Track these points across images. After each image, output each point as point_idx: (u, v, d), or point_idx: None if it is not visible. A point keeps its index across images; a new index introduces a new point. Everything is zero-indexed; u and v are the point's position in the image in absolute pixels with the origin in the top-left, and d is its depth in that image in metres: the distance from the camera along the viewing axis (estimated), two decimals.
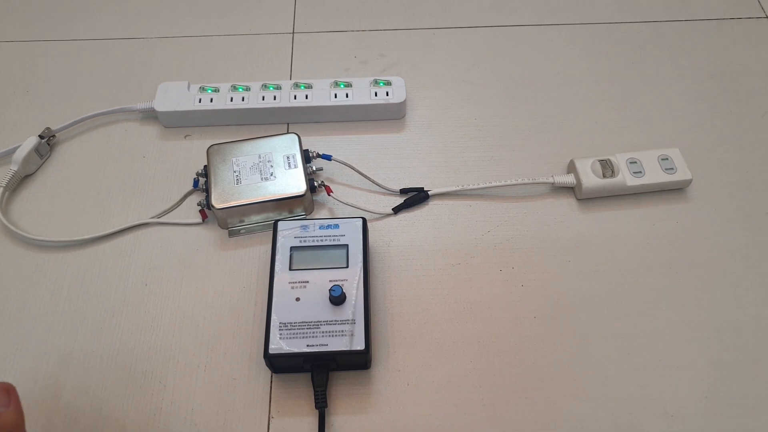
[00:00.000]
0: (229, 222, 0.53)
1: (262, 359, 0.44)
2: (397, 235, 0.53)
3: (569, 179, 0.55)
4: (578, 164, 0.55)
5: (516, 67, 0.65)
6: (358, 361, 0.45)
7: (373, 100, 0.59)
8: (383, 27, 0.69)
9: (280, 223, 0.50)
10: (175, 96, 0.59)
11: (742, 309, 0.49)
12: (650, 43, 0.67)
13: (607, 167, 0.54)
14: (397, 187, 0.56)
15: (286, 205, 0.52)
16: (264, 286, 0.49)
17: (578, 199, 0.55)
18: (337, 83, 0.60)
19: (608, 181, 0.54)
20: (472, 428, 0.44)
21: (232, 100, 0.59)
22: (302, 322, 0.44)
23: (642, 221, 0.54)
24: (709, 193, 0.55)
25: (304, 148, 0.55)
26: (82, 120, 0.60)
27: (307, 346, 0.43)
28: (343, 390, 0.45)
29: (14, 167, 0.55)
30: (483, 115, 0.61)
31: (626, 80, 0.64)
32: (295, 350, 0.43)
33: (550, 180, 0.55)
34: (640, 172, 0.54)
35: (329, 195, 0.54)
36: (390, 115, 0.61)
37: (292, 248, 0.48)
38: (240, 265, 0.51)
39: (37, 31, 0.69)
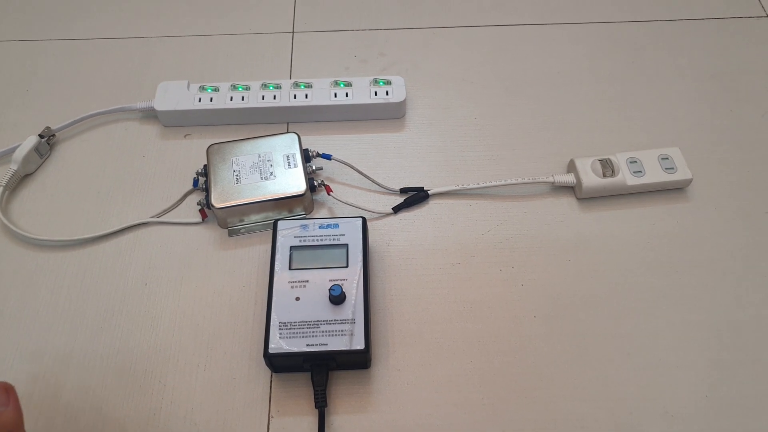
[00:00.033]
0: (229, 221, 0.53)
1: (262, 359, 0.44)
2: (397, 235, 0.53)
3: (569, 179, 0.55)
4: (578, 164, 0.55)
5: (516, 67, 0.65)
6: (358, 361, 0.45)
7: (373, 100, 0.59)
8: (383, 26, 0.69)
9: (279, 222, 0.50)
10: (174, 95, 0.59)
11: (742, 309, 0.49)
12: (650, 42, 0.67)
13: (608, 167, 0.54)
14: (397, 187, 0.56)
15: (286, 204, 0.52)
16: (264, 285, 0.49)
17: (578, 199, 0.55)
18: (336, 82, 0.60)
19: (608, 180, 0.54)
20: (472, 428, 0.44)
21: (231, 99, 0.59)
22: (302, 322, 0.44)
23: (642, 221, 0.54)
24: (710, 193, 0.55)
25: (303, 147, 0.55)
26: (82, 119, 0.60)
27: (307, 345, 0.43)
28: (342, 389, 0.45)
29: (14, 166, 0.55)
30: (483, 115, 0.61)
31: (626, 80, 0.64)
32: (295, 350, 0.43)
33: (550, 179, 0.55)
34: (641, 171, 0.54)
35: (329, 194, 0.54)
36: (390, 115, 0.61)
37: (291, 248, 0.48)
38: (240, 265, 0.51)
39: (37, 30, 0.69)
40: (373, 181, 0.55)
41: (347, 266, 0.47)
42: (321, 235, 0.49)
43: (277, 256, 0.48)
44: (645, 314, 0.49)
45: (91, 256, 0.52)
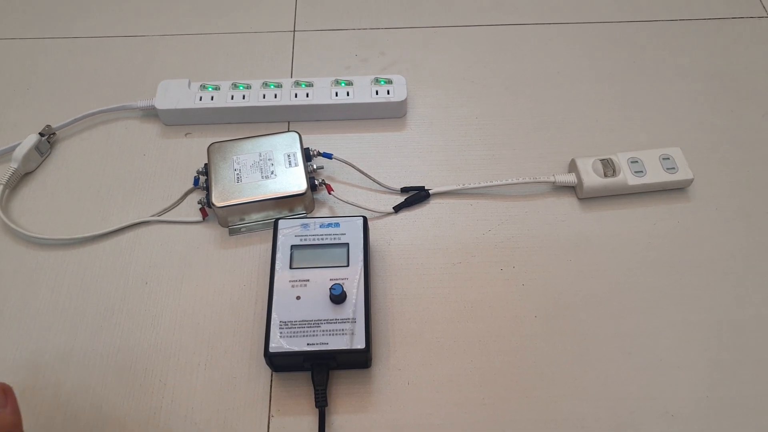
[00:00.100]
0: (230, 220, 0.53)
1: (263, 358, 0.44)
2: (398, 234, 0.53)
3: (570, 178, 0.55)
4: (579, 163, 0.54)
5: (517, 66, 0.65)
6: (359, 360, 0.45)
7: (374, 99, 0.59)
8: (384, 25, 0.69)
9: (280, 221, 0.50)
10: (175, 94, 0.59)
11: (742, 309, 0.49)
12: (651, 42, 0.67)
13: (609, 166, 0.54)
14: (398, 186, 0.56)
15: (287, 203, 0.52)
16: (264, 284, 0.49)
17: (579, 199, 0.55)
18: (337, 81, 0.60)
19: (609, 180, 0.54)
20: (473, 427, 0.44)
21: (232, 98, 0.59)
22: (302, 321, 0.44)
23: (643, 220, 0.54)
24: (710, 193, 0.55)
25: (304, 146, 0.55)
26: (83, 118, 0.60)
27: (308, 344, 0.43)
28: (343, 389, 0.45)
29: (14, 165, 0.55)
30: (484, 114, 0.61)
31: (627, 79, 0.64)
32: (296, 349, 0.43)
33: (551, 179, 0.55)
34: (642, 171, 0.54)
35: (330, 193, 0.54)
36: (391, 114, 0.61)
37: (292, 247, 0.48)
38: (240, 264, 0.51)
39: (38, 28, 0.69)
40: (374, 181, 0.55)
41: (348, 265, 0.47)
42: (322, 234, 0.49)
43: (278, 255, 0.48)
44: (646, 314, 0.49)
45: (91, 255, 0.52)
